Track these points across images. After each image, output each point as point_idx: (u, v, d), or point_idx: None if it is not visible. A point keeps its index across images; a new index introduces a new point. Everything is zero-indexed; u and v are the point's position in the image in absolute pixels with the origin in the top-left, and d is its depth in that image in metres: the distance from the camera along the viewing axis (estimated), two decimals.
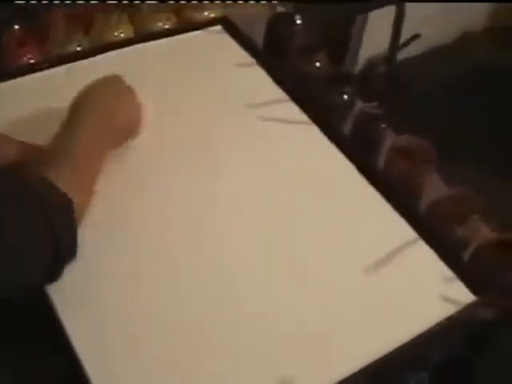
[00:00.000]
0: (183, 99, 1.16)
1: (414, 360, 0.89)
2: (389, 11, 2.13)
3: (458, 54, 2.77)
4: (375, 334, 0.93)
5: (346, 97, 1.31)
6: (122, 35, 1.43)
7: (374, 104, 1.29)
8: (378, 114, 1.26)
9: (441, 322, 0.92)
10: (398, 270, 1.01)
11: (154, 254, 1.00)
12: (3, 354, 0.88)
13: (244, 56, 1.37)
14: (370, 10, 2.19)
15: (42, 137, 1.01)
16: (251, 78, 1.33)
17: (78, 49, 1.38)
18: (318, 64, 1.39)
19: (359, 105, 1.29)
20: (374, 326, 0.94)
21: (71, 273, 0.91)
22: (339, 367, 0.88)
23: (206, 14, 1.52)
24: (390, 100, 1.47)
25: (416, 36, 1.71)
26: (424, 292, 1.00)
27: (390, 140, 1.21)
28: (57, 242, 0.85)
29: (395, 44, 1.95)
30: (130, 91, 1.12)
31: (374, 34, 2.30)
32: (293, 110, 1.26)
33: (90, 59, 1.30)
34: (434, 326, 0.93)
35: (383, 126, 1.23)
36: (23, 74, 1.26)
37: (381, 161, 1.20)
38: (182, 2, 1.49)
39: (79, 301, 0.92)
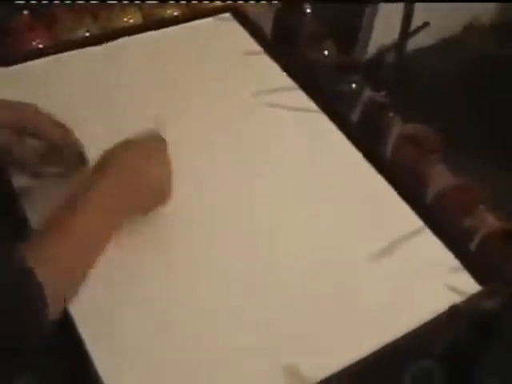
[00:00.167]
0: (192, 86, 1.16)
1: (418, 349, 0.89)
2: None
3: (466, 46, 2.77)
4: (380, 323, 0.93)
5: (354, 85, 1.31)
6: (131, 21, 1.43)
7: (382, 93, 1.28)
8: (386, 103, 1.26)
9: (446, 311, 0.92)
10: (404, 258, 1.02)
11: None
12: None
13: (253, 44, 1.37)
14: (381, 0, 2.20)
15: None
16: (260, 65, 1.33)
17: (87, 34, 1.38)
18: (326, 52, 1.39)
19: (367, 93, 1.29)
20: (379, 314, 0.94)
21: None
22: (343, 355, 0.88)
23: (215, 1, 1.51)
24: (397, 89, 1.47)
25: (425, 24, 1.70)
26: (429, 281, 1.00)
27: (397, 128, 1.21)
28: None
29: (405, 34, 1.94)
30: (165, 156, 1.01)
31: (384, 23, 2.29)
32: (301, 98, 1.26)
33: (99, 46, 1.30)
34: (439, 316, 0.93)
35: (391, 114, 1.23)
36: (32, 58, 1.26)
37: (388, 149, 1.20)
38: (183, 1, 1.48)
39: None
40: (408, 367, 0.85)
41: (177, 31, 1.38)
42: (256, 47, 1.36)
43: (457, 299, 0.94)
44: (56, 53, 1.27)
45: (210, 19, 1.43)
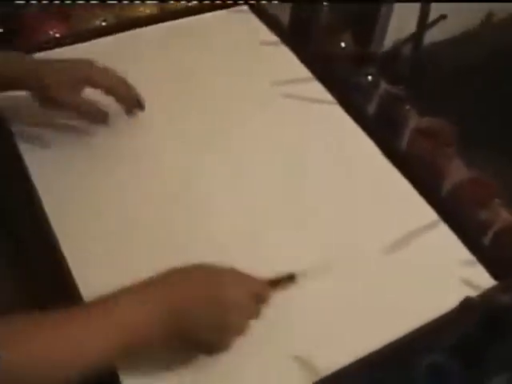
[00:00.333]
0: (209, 76, 1.16)
1: (431, 342, 0.89)
2: None
3: (482, 40, 2.75)
4: (394, 315, 0.93)
5: (370, 78, 1.30)
6: (147, 12, 1.43)
7: (399, 86, 1.28)
8: (402, 96, 1.26)
9: (459, 305, 0.92)
10: (419, 251, 1.01)
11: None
12: None
13: (269, 35, 1.37)
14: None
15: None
16: (276, 56, 1.33)
17: (103, 24, 1.38)
18: (343, 44, 1.39)
19: (383, 86, 1.29)
20: (393, 306, 0.94)
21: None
22: (356, 346, 0.88)
23: None
24: (413, 82, 1.46)
25: (442, 17, 1.69)
26: (444, 274, 1.00)
27: (413, 121, 1.21)
28: None
29: (422, 26, 1.93)
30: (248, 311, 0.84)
31: (401, 16, 2.28)
32: (317, 90, 1.26)
33: (115, 35, 1.30)
34: (453, 310, 0.93)
35: (407, 107, 1.23)
36: (49, 48, 1.26)
37: (403, 142, 1.20)
38: (183, 1, 1.47)
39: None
40: (421, 360, 0.85)
41: (193, 22, 1.39)
42: (272, 38, 1.36)
43: (471, 293, 0.94)
44: (73, 43, 1.28)
45: (226, 11, 1.43)
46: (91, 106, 1.09)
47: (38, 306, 0.71)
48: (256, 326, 0.89)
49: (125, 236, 0.98)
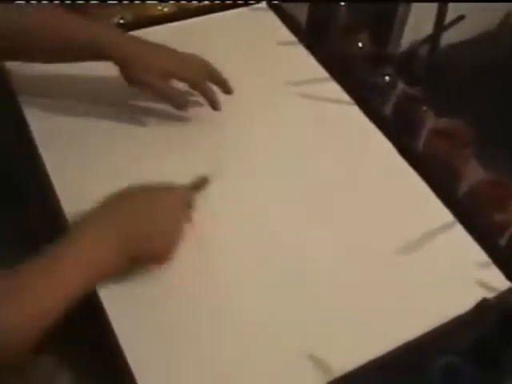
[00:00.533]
0: (225, 75, 1.16)
1: (446, 344, 0.89)
2: None
3: (501, 40, 2.74)
4: (408, 316, 0.93)
5: (387, 78, 1.30)
6: (166, 10, 1.43)
7: (416, 87, 1.28)
8: (419, 97, 1.25)
9: (474, 306, 0.92)
10: (434, 252, 1.01)
11: None
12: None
13: (287, 34, 1.37)
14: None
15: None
16: (293, 56, 1.33)
17: (121, 22, 1.38)
18: (360, 44, 1.38)
19: (400, 86, 1.29)
20: (408, 307, 0.94)
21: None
22: (370, 347, 0.88)
23: None
24: (430, 83, 1.46)
25: (460, 18, 1.69)
26: (459, 276, 0.99)
27: (430, 122, 1.20)
28: None
29: (439, 27, 1.93)
30: (182, 213, 0.96)
31: (418, 17, 2.28)
32: (334, 90, 1.26)
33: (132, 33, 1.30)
34: (469, 311, 0.93)
35: (424, 108, 1.23)
36: None
37: (420, 143, 1.20)
38: (183, 1, 1.47)
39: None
40: (436, 362, 0.85)
41: (211, 20, 1.39)
42: (291, 37, 1.36)
43: (486, 295, 0.94)
44: None
45: (244, 9, 1.43)
46: (173, 90, 1.13)
47: None
48: (270, 326, 0.90)
49: None
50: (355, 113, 1.23)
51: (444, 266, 1.00)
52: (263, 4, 1.44)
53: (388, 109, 1.26)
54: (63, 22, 1.07)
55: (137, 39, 1.12)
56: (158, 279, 0.93)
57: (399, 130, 1.19)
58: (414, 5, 2.24)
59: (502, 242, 1.07)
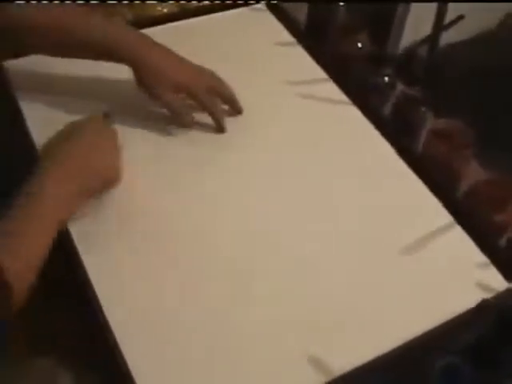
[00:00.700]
0: (224, 75, 1.16)
1: (445, 344, 0.89)
2: None
3: (500, 40, 2.74)
4: (407, 317, 0.93)
5: (386, 79, 1.30)
6: (165, 10, 1.44)
7: (415, 87, 1.28)
8: (418, 97, 1.25)
9: (474, 307, 0.92)
10: (433, 253, 1.01)
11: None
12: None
13: (286, 35, 1.37)
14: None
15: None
16: (292, 56, 1.33)
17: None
18: (359, 45, 1.38)
19: (399, 87, 1.29)
20: (407, 308, 0.94)
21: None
22: (369, 348, 0.88)
23: None
24: (430, 84, 1.46)
25: (460, 18, 1.69)
26: (458, 277, 0.99)
27: (429, 123, 1.20)
28: None
29: (438, 27, 1.93)
30: (110, 135, 1.05)
31: (417, 17, 2.28)
32: (333, 90, 1.26)
33: None
34: (467, 312, 0.93)
35: (423, 109, 1.23)
36: None
37: (419, 143, 1.20)
38: (182, 1, 1.47)
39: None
40: (435, 362, 0.85)
41: (210, 20, 1.39)
42: (289, 38, 1.36)
43: (485, 296, 0.94)
44: None
45: (243, 9, 1.43)
46: (181, 108, 1.14)
47: None
48: (269, 326, 0.90)
49: None
50: (354, 113, 1.22)
51: (443, 267, 1.00)
52: (262, 4, 1.44)
53: (387, 109, 1.26)
54: (81, 21, 1.07)
55: (155, 45, 1.11)
56: (156, 276, 0.94)
57: (398, 131, 1.19)
58: (414, 5, 2.24)
59: (501, 242, 1.07)
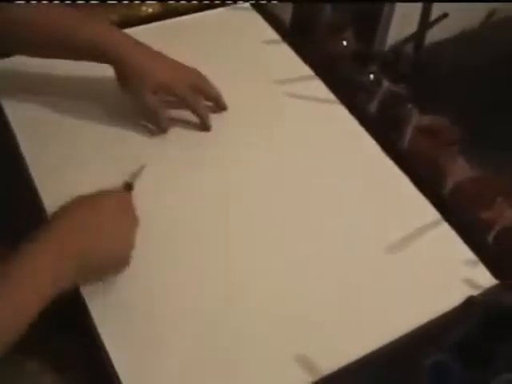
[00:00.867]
0: (210, 74, 1.16)
1: (433, 341, 0.89)
2: None
3: (484, 38, 2.75)
4: (395, 314, 0.93)
5: (372, 76, 1.30)
6: (150, 10, 1.43)
7: (401, 85, 1.28)
8: (404, 94, 1.25)
9: (461, 304, 0.92)
10: (421, 250, 1.01)
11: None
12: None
13: (271, 33, 1.37)
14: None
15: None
16: (278, 55, 1.33)
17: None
18: (345, 43, 1.38)
19: (385, 84, 1.29)
20: (394, 305, 0.94)
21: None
22: (358, 345, 0.88)
23: None
24: (415, 81, 1.46)
25: (444, 15, 1.70)
26: (445, 274, 0.99)
27: (414, 120, 1.20)
28: None
29: (424, 25, 1.94)
30: (131, 218, 0.93)
31: (403, 14, 2.29)
32: (319, 88, 1.26)
33: None
34: (455, 308, 0.93)
35: (409, 106, 1.23)
36: None
37: (405, 140, 1.20)
38: (183, 1, 1.46)
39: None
40: (423, 359, 0.85)
41: (195, 19, 1.39)
42: (275, 37, 1.36)
43: (472, 292, 0.94)
44: None
45: (228, 8, 1.43)
46: (160, 113, 1.13)
47: None
48: (257, 326, 0.90)
49: None
50: (340, 111, 1.22)
51: (430, 264, 1.00)
52: (247, 4, 1.43)
53: (373, 107, 1.26)
54: (65, 20, 1.06)
55: (138, 44, 1.10)
56: (142, 280, 0.93)
57: (384, 128, 1.19)
58: (399, 4, 2.25)
59: (489, 239, 1.07)
